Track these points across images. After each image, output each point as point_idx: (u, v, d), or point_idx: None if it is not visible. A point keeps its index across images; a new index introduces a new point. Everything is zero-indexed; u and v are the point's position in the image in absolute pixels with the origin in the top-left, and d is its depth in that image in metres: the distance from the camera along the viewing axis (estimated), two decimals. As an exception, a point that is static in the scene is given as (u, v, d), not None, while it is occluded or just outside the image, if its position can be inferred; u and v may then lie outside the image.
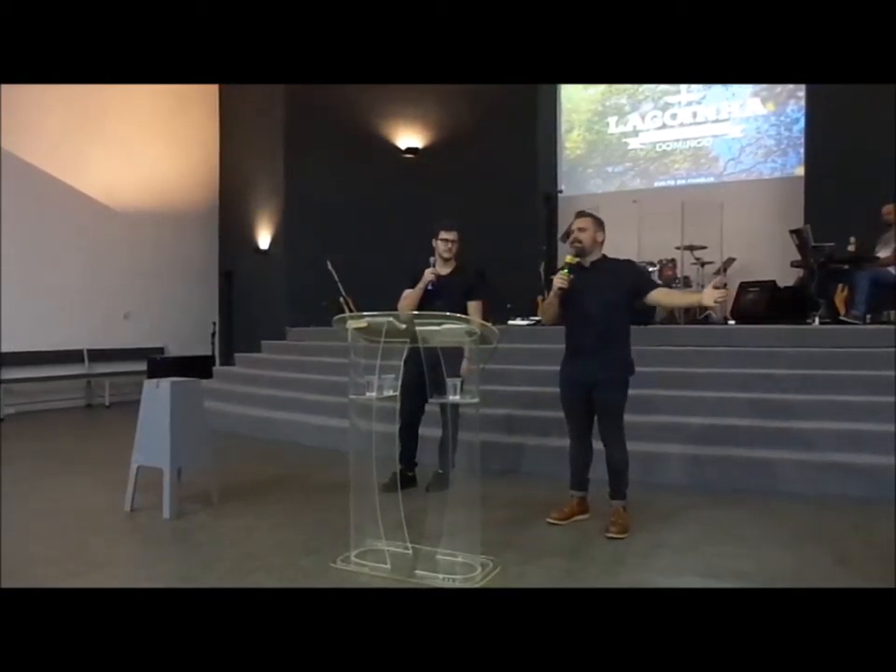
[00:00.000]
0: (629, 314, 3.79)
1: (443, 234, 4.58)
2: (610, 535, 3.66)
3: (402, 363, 3.94)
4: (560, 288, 3.72)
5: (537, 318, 7.92)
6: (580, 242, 3.77)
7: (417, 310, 4.29)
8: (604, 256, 3.86)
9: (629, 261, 3.99)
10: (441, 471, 4.44)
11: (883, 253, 6.74)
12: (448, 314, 3.22)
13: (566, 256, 3.83)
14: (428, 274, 4.49)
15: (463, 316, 3.21)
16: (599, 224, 3.84)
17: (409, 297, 4.52)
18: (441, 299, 4.39)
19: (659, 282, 3.91)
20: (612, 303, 3.72)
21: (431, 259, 4.56)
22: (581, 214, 3.90)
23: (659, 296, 3.80)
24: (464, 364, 4.14)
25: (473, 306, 4.52)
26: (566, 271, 3.72)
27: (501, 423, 5.48)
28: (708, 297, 3.52)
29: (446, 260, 4.59)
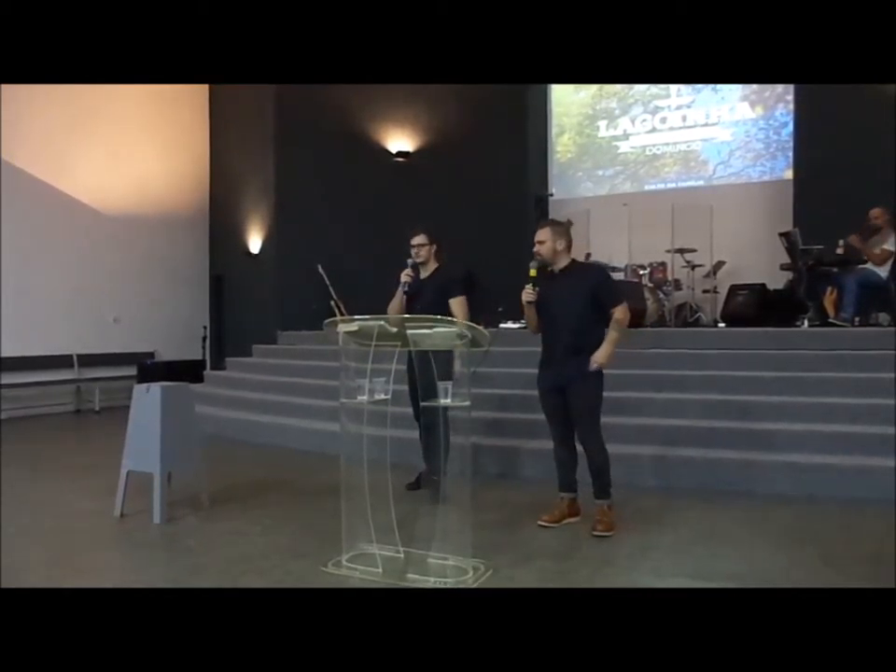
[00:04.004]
0: (599, 316, 3.81)
1: (412, 241, 4.71)
2: (597, 533, 3.72)
3: (406, 368, 4.13)
4: (528, 302, 3.85)
5: (527, 321, 7.93)
6: (540, 255, 3.87)
7: (403, 313, 4.39)
8: (573, 261, 3.93)
9: (598, 267, 4.04)
10: (435, 478, 4.32)
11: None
12: (426, 316, 3.23)
13: (529, 268, 3.90)
14: (403, 276, 4.60)
15: (448, 318, 3.20)
16: (559, 232, 3.87)
17: (392, 304, 4.68)
18: (419, 302, 4.53)
19: (622, 301, 3.87)
20: (578, 308, 3.77)
21: (409, 261, 4.66)
22: (541, 225, 3.97)
23: (617, 313, 3.80)
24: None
25: (455, 303, 4.59)
26: (530, 284, 3.82)
27: (493, 426, 5.48)
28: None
29: (423, 265, 4.70)
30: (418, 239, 4.69)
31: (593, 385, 3.79)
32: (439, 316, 3.29)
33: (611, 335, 3.78)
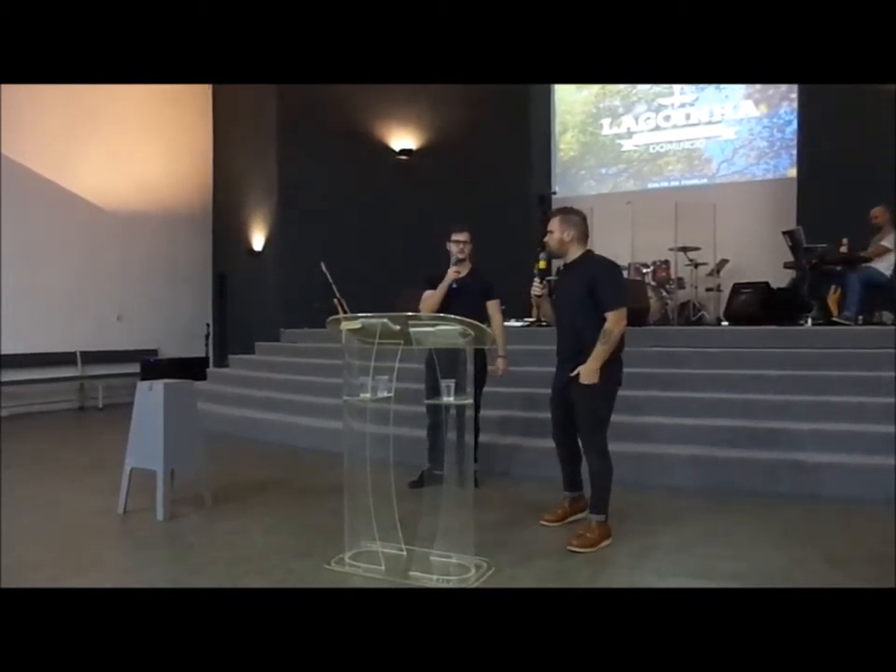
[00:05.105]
0: (599, 314, 3.46)
1: (455, 236, 4.69)
2: (570, 547, 3.46)
3: (425, 365, 4.21)
4: (536, 296, 3.70)
5: (531, 319, 7.94)
6: (548, 245, 3.68)
7: (438, 311, 4.37)
8: (585, 253, 3.62)
9: (604, 262, 3.60)
10: (438, 473, 4.38)
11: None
12: (464, 318, 3.16)
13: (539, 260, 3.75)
14: (452, 273, 4.59)
15: (467, 320, 3.15)
16: (569, 222, 3.59)
17: (432, 297, 4.62)
18: (460, 300, 4.51)
19: (619, 305, 3.45)
20: (576, 304, 3.52)
21: (453, 259, 4.67)
22: (552, 213, 3.73)
23: (607, 322, 3.44)
24: (500, 363, 4.53)
25: (493, 305, 4.68)
26: (538, 278, 3.68)
27: (495, 424, 5.48)
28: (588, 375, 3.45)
29: (461, 262, 4.68)
30: (463, 236, 4.68)
31: (595, 393, 3.47)
32: (463, 318, 3.23)
33: (597, 349, 3.40)
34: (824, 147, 8.17)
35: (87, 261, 9.63)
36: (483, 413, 4.78)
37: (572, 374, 3.50)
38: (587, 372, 3.43)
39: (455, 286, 4.60)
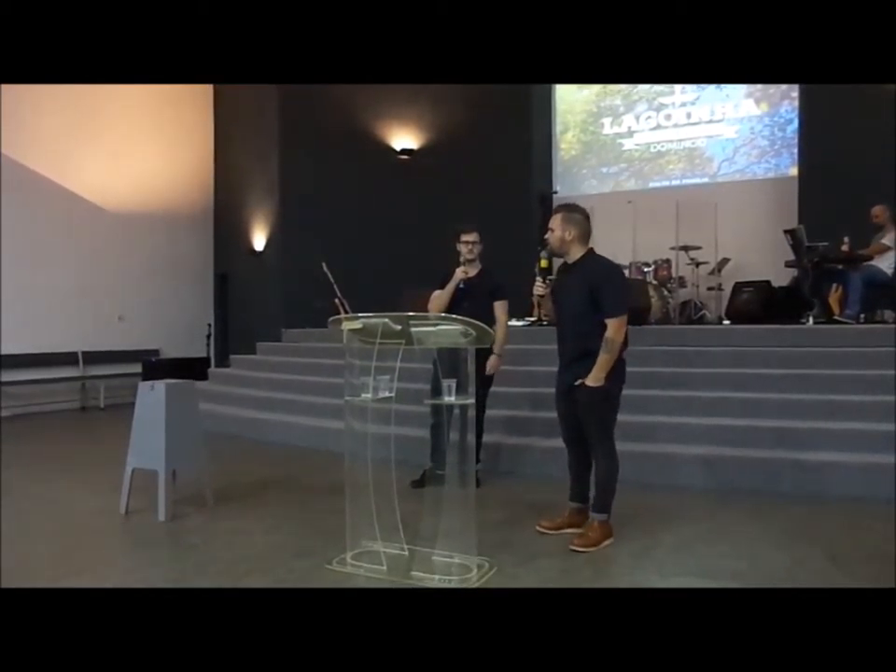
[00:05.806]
0: (602, 319, 3.43)
1: (464, 237, 4.69)
2: (572, 546, 3.46)
3: (432, 364, 4.19)
4: (539, 296, 3.66)
5: (532, 319, 7.93)
6: (549, 243, 3.62)
7: (446, 311, 4.38)
8: (587, 253, 3.56)
9: (606, 265, 3.56)
10: (439, 472, 4.40)
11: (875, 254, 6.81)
12: (465, 318, 3.16)
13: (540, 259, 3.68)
14: (459, 273, 4.60)
15: (468, 320, 3.14)
16: (571, 220, 3.52)
17: (439, 297, 4.65)
18: (468, 300, 4.53)
19: (620, 313, 3.43)
20: (578, 307, 3.48)
21: (462, 259, 4.68)
22: (555, 210, 3.66)
23: (608, 330, 3.41)
24: (491, 359, 4.43)
25: (499, 305, 4.66)
26: (540, 277, 3.63)
27: (497, 424, 5.47)
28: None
29: (470, 262, 4.68)
30: (472, 236, 4.68)
31: (597, 393, 3.44)
32: (468, 318, 3.22)
33: (600, 358, 3.39)
34: (825, 146, 8.17)
35: (88, 261, 9.63)
36: (488, 412, 4.79)
37: (576, 384, 3.49)
38: (593, 382, 3.44)
39: (462, 286, 4.60)
